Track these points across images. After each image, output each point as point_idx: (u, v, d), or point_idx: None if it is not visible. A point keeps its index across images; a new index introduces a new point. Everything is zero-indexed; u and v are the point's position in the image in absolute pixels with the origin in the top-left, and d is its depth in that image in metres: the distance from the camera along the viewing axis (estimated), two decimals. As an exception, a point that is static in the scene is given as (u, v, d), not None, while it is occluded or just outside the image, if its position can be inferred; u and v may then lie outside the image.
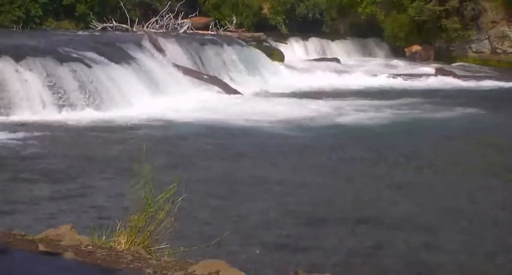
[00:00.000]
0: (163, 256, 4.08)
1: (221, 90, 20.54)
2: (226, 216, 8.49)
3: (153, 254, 4.11)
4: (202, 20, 30.95)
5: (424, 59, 31.39)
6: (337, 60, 30.22)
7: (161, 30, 28.40)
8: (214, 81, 20.98)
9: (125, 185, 9.14)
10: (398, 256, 7.35)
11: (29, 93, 15.19)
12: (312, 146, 13.20)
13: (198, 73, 21.17)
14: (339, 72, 26.50)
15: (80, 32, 26.95)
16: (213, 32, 29.29)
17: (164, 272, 3.57)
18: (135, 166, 5.09)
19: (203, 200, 8.85)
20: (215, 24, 30.18)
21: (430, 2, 31.03)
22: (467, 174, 11.18)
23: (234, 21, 31.08)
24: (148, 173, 4.37)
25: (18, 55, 15.89)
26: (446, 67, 29.10)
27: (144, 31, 26.31)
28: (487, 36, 31.72)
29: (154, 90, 18.16)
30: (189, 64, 21.53)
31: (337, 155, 12.43)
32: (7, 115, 14.53)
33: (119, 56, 18.99)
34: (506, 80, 25.01)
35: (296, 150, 12.76)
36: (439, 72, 26.94)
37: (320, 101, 19.24)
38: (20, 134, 12.92)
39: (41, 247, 3.54)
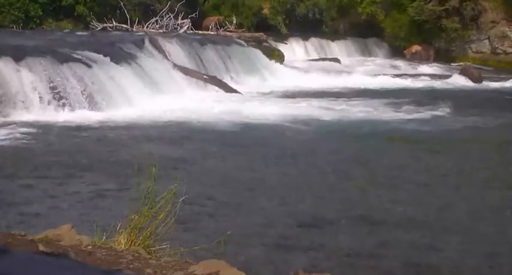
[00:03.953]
0: (164, 256, 4.08)
1: (221, 90, 20.54)
2: (227, 216, 8.48)
3: (153, 254, 4.12)
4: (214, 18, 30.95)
5: (424, 59, 31.40)
6: (337, 60, 30.23)
7: (161, 31, 28.42)
8: (214, 81, 20.99)
9: (126, 185, 9.16)
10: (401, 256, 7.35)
11: (28, 93, 15.18)
12: (312, 146, 13.20)
13: (197, 73, 21.17)
14: (339, 72, 26.50)
15: (80, 32, 26.94)
16: (213, 32, 29.29)
17: (164, 272, 3.57)
18: (136, 166, 5.09)
19: (204, 200, 8.85)
20: (215, 24, 30.20)
21: (430, 2, 31.04)
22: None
23: (234, 21, 31.09)
24: (150, 173, 4.37)
25: (18, 55, 15.87)
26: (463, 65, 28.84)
27: (144, 31, 26.33)
28: (487, 36, 31.73)
29: (154, 91, 18.16)
30: (189, 64, 21.54)
31: (338, 155, 12.42)
32: (7, 115, 14.52)
33: (119, 56, 18.98)
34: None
35: (296, 149, 12.75)
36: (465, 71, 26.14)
37: (320, 101, 19.23)
38: (20, 134, 12.91)
39: (41, 247, 3.54)
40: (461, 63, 30.95)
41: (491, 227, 8.39)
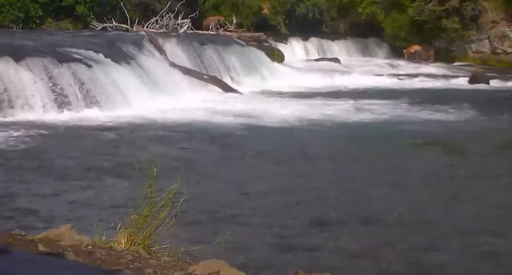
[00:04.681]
0: (164, 256, 4.08)
1: (221, 90, 20.54)
2: (227, 216, 8.48)
3: (153, 254, 4.12)
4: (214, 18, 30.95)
5: (424, 59, 31.40)
6: (337, 60, 30.22)
7: (161, 30, 28.41)
8: (214, 81, 20.98)
9: (126, 185, 9.16)
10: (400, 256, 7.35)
11: (28, 93, 15.17)
12: (313, 146, 13.18)
13: (198, 73, 21.17)
14: (339, 72, 26.48)
15: (80, 32, 26.94)
16: (213, 32, 29.29)
17: (164, 272, 3.57)
18: (136, 167, 5.09)
19: (204, 200, 8.84)
20: (215, 24, 30.20)
21: (430, 2, 31.05)
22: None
23: (234, 21, 31.09)
24: (150, 174, 4.36)
25: (18, 55, 15.88)
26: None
27: (144, 31, 26.31)
28: (487, 36, 31.73)
29: (154, 91, 18.16)
30: (189, 64, 21.54)
31: (339, 156, 12.41)
32: (6, 115, 14.52)
33: (119, 56, 18.98)
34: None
35: (296, 150, 12.74)
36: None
37: (320, 101, 19.23)
38: (20, 135, 12.91)
39: (41, 247, 3.54)
40: (461, 63, 30.98)
41: (493, 227, 8.39)
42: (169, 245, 4.27)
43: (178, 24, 29.84)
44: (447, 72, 28.03)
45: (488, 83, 24.31)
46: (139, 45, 21.04)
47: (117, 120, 14.88)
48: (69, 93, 15.76)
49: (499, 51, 31.53)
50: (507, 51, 31.35)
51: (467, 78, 24.87)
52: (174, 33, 26.43)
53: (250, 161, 11.76)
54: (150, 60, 20.06)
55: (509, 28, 31.25)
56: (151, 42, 21.82)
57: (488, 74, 25.72)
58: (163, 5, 30.14)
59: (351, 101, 19.20)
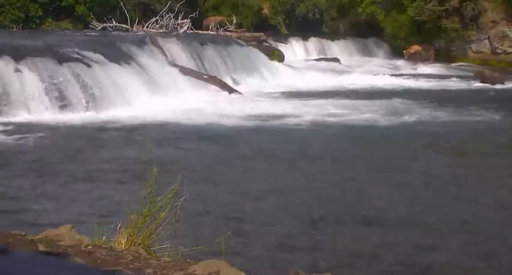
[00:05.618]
0: (164, 256, 4.08)
1: (221, 90, 20.53)
2: (227, 216, 8.48)
3: (153, 254, 4.11)
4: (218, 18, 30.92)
5: (424, 59, 31.39)
6: (337, 60, 30.22)
7: (161, 30, 28.42)
8: (214, 81, 20.98)
9: (126, 185, 9.16)
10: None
11: (28, 93, 15.18)
12: (313, 146, 13.18)
13: (198, 73, 21.17)
14: (339, 72, 26.48)
15: (80, 32, 26.95)
16: (213, 32, 29.29)
17: (164, 272, 3.57)
18: (136, 166, 5.08)
19: (204, 200, 8.84)
20: (215, 24, 30.21)
21: (430, 2, 31.04)
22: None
23: (234, 21, 31.10)
24: (151, 174, 4.36)
25: (18, 55, 15.89)
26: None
27: (144, 31, 26.32)
28: (487, 36, 31.72)
29: (154, 91, 18.16)
30: (189, 64, 21.54)
31: (339, 156, 12.40)
32: (7, 115, 14.52)
33: (119, 56, 18.98)
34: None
35: (296, 150, 12.74)
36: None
37: (320, 101, 19.22)
38: (20, 135, 12.91)
39: (41, 247, 3.54)
40: (461, 63, 30.97)
41: (493, 227, 8.39)
42: (169, 245, 4.27)
43: (178, 24, 29.86)
44: (448, 72, 27.98)
45: (503, 83, 24.01)
46: (139, 45, 21.04)
47: (117, 121, 14.88)
48: (69, 94, 15.76)
49: (499, 51, 31.52)
50: (507, 51, 31.34)
51: (471, 78, 24.75)
52: (174, 33, 26.44)
53: (250, 161, 11.76)
54: (150, 60, 20.06)
55: (509, 28, 31.24)
56: (151, 42, 21.83)
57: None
58: (163, 5, 30.15)
59: (352, 101, 19.20)
